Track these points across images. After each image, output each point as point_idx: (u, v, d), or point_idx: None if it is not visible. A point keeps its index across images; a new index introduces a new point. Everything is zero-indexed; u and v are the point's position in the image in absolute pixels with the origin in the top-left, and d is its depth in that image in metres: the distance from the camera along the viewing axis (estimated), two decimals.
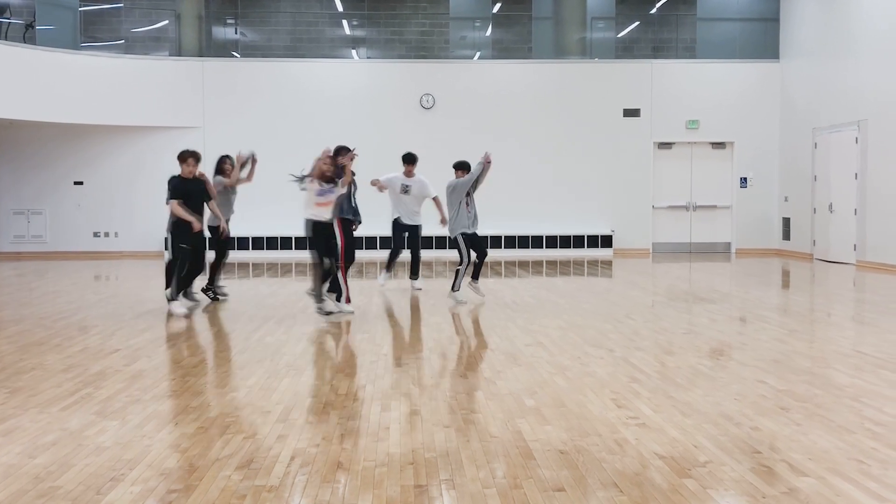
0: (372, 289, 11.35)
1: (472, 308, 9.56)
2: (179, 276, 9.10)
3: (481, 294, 10.11)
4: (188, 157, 9.08)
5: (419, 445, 4.29)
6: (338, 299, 9.03)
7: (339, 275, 9.00)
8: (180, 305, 9.09)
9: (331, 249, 8.90)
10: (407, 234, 11.05)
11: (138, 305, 9.88)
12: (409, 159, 10.95)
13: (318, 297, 8.80)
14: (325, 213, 8.73)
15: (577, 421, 4.73)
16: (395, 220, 11.03)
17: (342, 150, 9.02)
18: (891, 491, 3.62)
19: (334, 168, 8.69)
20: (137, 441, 4.38)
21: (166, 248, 10.42)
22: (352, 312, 8.91)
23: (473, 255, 9.92)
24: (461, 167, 9.93)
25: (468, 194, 9.77)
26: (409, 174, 10.96)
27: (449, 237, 10.04)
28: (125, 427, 4.64)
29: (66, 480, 3.78)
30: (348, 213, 9.45)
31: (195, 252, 9.23)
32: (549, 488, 3.67)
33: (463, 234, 9.80)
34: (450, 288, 10.09)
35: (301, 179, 8.69)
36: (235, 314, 9.17)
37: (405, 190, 10.89)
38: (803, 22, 17.00)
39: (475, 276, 10.07)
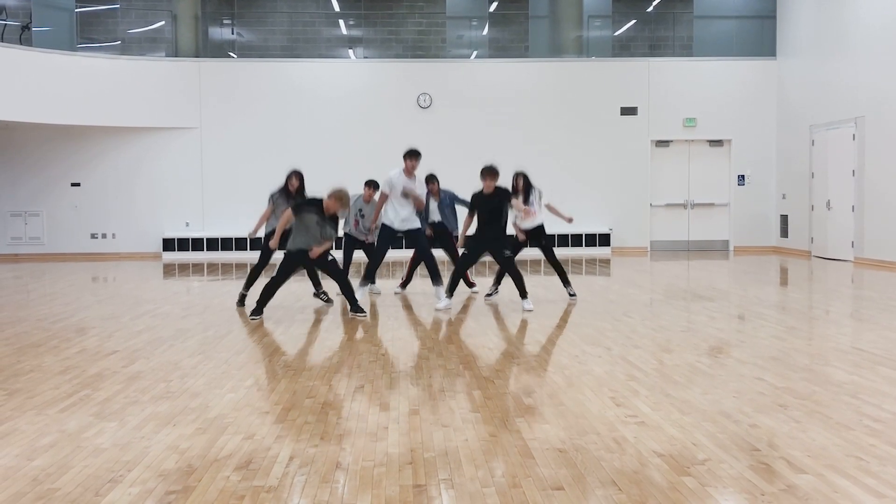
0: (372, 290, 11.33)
1: (470, 307, 9.57)
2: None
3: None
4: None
5: (418, 445, 4.28)
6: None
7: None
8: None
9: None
10: (407, 241, 10.16)
11: (136, 307, 9.87)
12: (415, 155, 9.77)
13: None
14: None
15: (576, 419, 4.72)
16: (385, 225, 9.79)
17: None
18: (889, 487, 3.62)
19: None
20: (136, 442, 4.37)
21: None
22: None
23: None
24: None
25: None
26: (410, 173, 9.77)
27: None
28: (123, 428, 4.64)
29: (65, 482, 3.78)
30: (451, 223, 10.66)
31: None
32: (548, 487, 3.67)
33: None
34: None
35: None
36: (233, 315, 9.17)
37: (406, 193, 9.72)
38: (800, 20, 17.01)
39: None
